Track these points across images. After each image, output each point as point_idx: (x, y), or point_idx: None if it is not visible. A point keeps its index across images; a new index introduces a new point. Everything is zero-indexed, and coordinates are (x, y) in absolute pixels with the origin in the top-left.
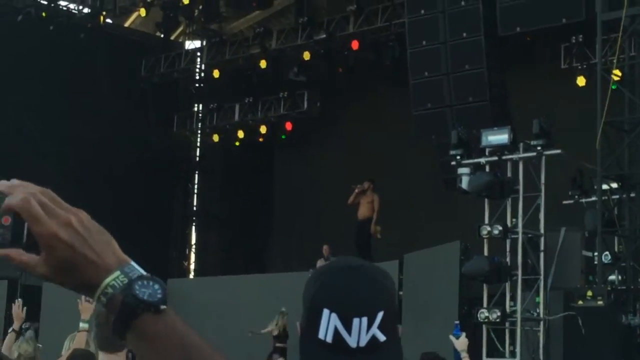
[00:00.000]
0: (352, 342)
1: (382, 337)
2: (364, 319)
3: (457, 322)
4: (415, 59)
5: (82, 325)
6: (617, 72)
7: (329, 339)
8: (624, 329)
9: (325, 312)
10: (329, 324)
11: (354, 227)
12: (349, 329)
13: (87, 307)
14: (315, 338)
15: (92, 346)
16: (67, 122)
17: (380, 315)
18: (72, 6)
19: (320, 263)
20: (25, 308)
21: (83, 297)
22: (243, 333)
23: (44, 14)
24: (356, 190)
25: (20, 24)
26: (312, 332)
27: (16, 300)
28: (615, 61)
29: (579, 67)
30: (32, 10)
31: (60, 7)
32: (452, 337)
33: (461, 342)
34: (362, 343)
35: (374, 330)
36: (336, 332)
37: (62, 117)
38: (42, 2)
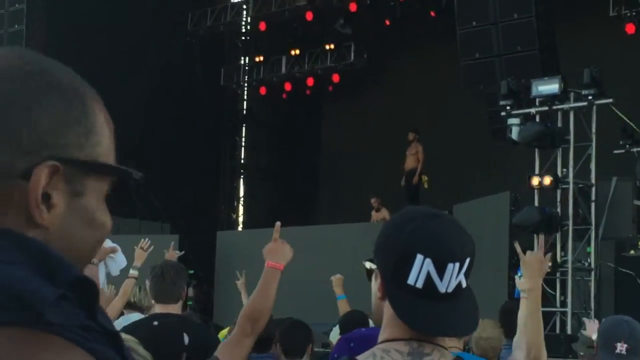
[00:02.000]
0: (441, 287)
1: (464, 283)
2: (457, 265)
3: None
4: (463, 9)
5: (132, 271)
6: None
7: (420, 284)
8: None
9: (419, 257)
10: (421, 269)
11: (402, 178)
12: (441, 275)
13: (141, 255)
14: (403, 284)
15: (144, 296)
16: (115, 75)
17: (467, 261)
18: None
19: (374, 215)
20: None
21: (141, 242)
22: (291, 285)
23: None
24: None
25: None
26: (401, 278)
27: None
28: None
29: (628, 14)
30: None
31: None
32: (516, 277)
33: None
34: (450, 289)
35: (461, 276)
36: (428, 277)
37: (110, 69)
38: None
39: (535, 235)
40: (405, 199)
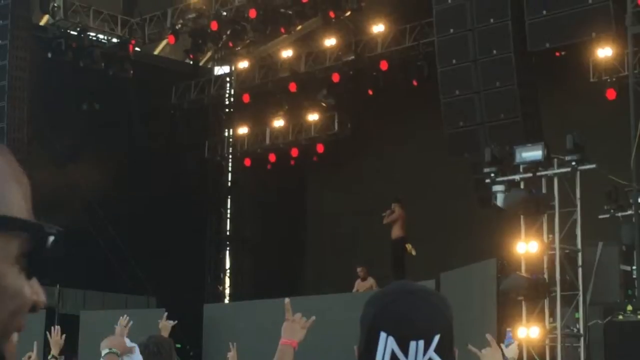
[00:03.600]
0: None
1: None
2: (421, 342)
3: (509, 329)
4: (446, 78)
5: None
6: None
7: None
8: None
9: (383, 335)
10: (386, 347)
11: (388, 247)
12: (405, 353)
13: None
14: None
15: None
16: (101, 151)
17: (436, 338)
18: (101, 36)
19: (357, 284)
20: (64, 336)
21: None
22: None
23: (73, 45)
24: (386, 216)
25: (48, 60)
26: (370, 355)
27: (53, 327)
28: None
29: (608, 80)
30: (63, 42)
31: (90, 36)
32: (502, 346)
33: (511, 350)
34: None
35: (431, 353)
36: (393, 355)
37: (97, 142)
38: (71, 33)
39: (523, 303)
40: (390, 268)
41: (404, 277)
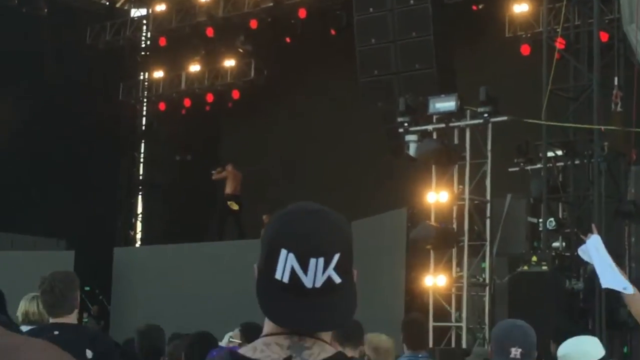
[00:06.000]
0: (308, 282)
1: (337, 279)
2: (320, 260)
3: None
4: (362, 27)
5: None
6: (561, 40)
7: (286, 279)
8: (567, 294)
9: (283, 252)
10: (285, 264)
11: (298, 196)
12: (305, 269)
13: None
14: (272, 278)
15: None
16: (12, 91)
17: (336, 257)
18: None
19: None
20: None
21: None
22: (187, 299)
23: None
24: (215, 173)
25: None
26: (269, 273)
27: None
28: (559, 30)
29: (523, 36)
30: None
31: None
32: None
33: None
34: (318, 284)
35: (330, 271)
36: (293, 272)
37: (6, 85)
38: None
39: (431, 252)
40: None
41: (223, 231)
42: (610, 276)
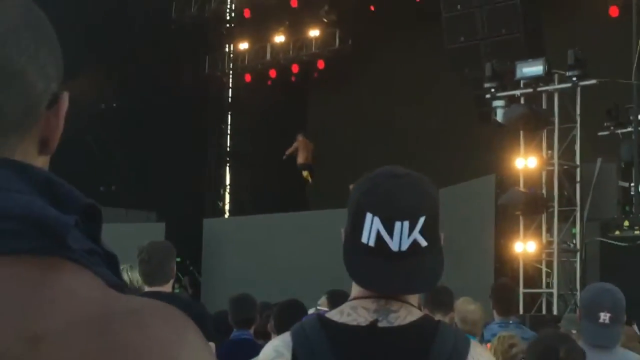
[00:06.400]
0: (394, 245)
1: (423, 242)
2: (406, 223)
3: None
4: None
5: None
6: None
7: (372, 242)
8: None
9: (369, 215)
10: (371, 227)
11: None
12: (391, 233)
13: None
14: (358, 242)
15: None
16: (101, 66)
17: (422, 220)
18: None
19: None
20: None
21: None
22: (277, 270)
23: None
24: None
25: None
26: (356, 237)
27: None
28: None
29: None
30: None
31: None
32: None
33: None
34: (404, 247)
35: (416, 234)
36: (378, 235)
37: (95, 61)
38: None
39: (520, 218)
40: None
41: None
42: None
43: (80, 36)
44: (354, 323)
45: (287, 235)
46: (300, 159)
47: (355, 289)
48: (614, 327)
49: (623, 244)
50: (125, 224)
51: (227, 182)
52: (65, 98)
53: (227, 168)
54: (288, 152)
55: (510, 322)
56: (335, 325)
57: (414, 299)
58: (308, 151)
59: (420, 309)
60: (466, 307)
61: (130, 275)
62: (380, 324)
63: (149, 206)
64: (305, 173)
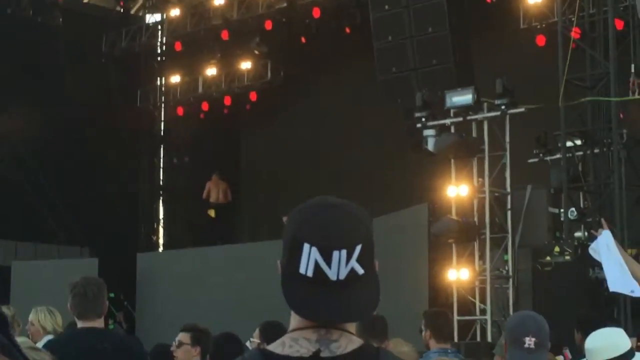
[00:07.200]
0: (332, 274)
1: (360, 270)
2: (343, 252)
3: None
4: (379, 24)
5: None
6: (576, 29)
7: (310, 273)
8: (591, 283)
9: (306, 246)
10: (309, 258)
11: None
12: (329, 262)
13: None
14: (296, 273)
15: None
16: (32, 101)
17: (358, 248)
18: None
19: None
20: None
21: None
22: (212, 304)
23: None
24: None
25: None
26: (293, 268)
27: None
28: (574, 19)
29: (538, 27)
30: None
31: None
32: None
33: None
34: (342, 276)
35: (353, 263)
36: (316, 265)
37: (25, 96)
38: None
39: (453, 246)
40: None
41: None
42: (619, 278)
43: (10, 69)
44: (297, 354)
45: (221, 268)
46: (211, 198)
47: (295, 320)
48: (540, 352)
49: (554, 270)
50: (58, 260)
51: (161, 216)
52: None
53: (161, 202)
54: (204, 195)
55: (449, 350)
56: (277, 357)
57: (352, 327)
58: (220, 190)
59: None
60: (399, 349)
61: (50, 318)
62: (322, 354)
63: (82, 242)
64: (211, 211)
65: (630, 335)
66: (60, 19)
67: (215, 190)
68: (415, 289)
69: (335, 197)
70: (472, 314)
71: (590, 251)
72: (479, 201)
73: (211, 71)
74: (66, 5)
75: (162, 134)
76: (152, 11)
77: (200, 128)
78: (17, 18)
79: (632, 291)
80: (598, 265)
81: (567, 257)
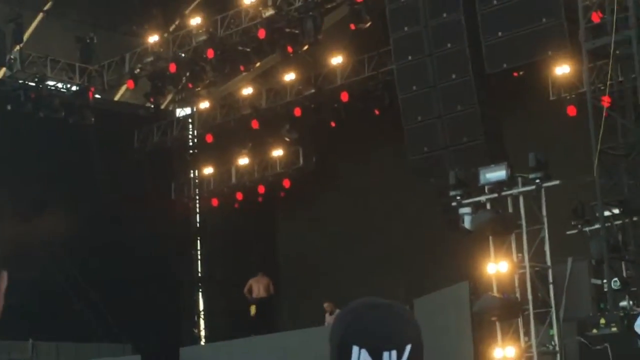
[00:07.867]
0: None
1: None
2: (394, 352)
3: None
4: (407, 105)
5: None
6: (606, 98)
7: None
8: None
9: (355, 349)
10: None
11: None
12: None
13: None
14: None
15: None
16: (69, 201)
17: (408, 348)
18: (60, 85)
19: (328, 318)
20: None
21: None
22: None
23: (32, 95)
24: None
25: (8, 113)
26: None
27: None
28: (604, 87)
29: (568, 97)
30: (21, 93)
31: (49, 87)
32: None
33: None
34: None
35: None
36: None
37: (62, 193)
38: (29, 84)
39: (497, 323)
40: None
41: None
42: None
43: (47, 170)
44: None
45: (264, 358)
46: (253, 294)
47: None
48: None
49: (601, 342)
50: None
51: (201, 308)
52: (4, 277)
53: (200, 294)
54: (244, 291)
55: None
56: None
57: None
58: (261, 286)
59: None
60: None
61: None
62: None
63: (123, 338)
64: (252, 308)
65: None
66: (92, 119)
67: (256, 286)
68: None
69: (377, 298)
70: None
71: (636, 328)
72: (520, 276)
73: (243, 160)
74: (97, 105)
75: (197, 225)
76: (182, 105)
77: (235, 217)
78: (50, 121)
79: None
80: None
81: (614, 329)
